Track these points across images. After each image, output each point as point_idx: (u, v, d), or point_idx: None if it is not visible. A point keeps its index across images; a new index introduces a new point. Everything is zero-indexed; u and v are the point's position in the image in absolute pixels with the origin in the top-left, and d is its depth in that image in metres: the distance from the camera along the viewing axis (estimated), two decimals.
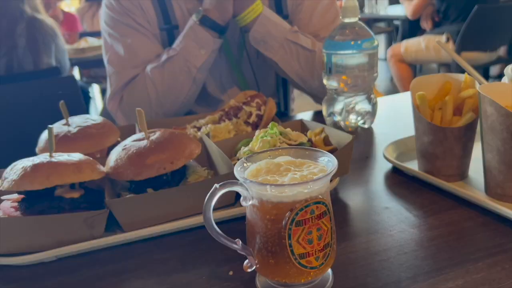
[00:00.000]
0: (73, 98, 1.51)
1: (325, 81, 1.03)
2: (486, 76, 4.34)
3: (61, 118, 0.83)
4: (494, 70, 4.25)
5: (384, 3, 4.07)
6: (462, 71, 0.76)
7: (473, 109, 0.71)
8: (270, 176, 0.49)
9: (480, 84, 0.72)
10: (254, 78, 1.21)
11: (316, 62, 1.14)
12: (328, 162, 0.50)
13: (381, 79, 4.92)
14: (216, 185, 0.48)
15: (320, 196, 0.47)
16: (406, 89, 3.60)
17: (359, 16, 1.00)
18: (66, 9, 3.88)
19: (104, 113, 1.85)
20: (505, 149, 0.63)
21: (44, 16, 2.03)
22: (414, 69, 3.77)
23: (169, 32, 1.16)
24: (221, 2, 1.04)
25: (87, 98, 3.07)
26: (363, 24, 0.99)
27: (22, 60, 1.91)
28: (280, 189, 0.46)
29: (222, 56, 1.19)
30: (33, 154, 0.72)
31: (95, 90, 3.74)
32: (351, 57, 0.97)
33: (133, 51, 1.13)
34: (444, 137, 0.71)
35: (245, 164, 0.51)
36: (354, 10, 0.97)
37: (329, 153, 0.51)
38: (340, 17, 0.99)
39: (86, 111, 1.95)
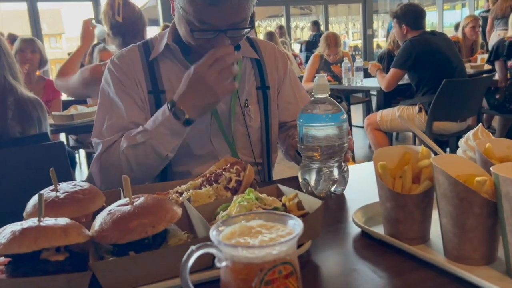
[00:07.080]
0: (60, 165, 1.56)
1: (299, 149, 1.11)
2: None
3: (49, 183, 0.88)
4: None
5: (360, 76, 4.36)
6: (435, 139, 0.85)
7: (429, 177, 0.79)
8: (243, 238, 0.54)
9: (436, 154, 0.80)
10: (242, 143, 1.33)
11: None
12: (295, 225, 0.56)
13: (359, 146, 5.10)
14: (193, 247, 0.53)
15: (287, 257, 0.53)
16: None
17: (329, 92, 1.10)
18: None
19: (89, 178, 1.88)
20: (457, 214, 0.69)
21: (27, 91, 2.12)
22: (390, 136, 3.94)
23: (157, 95, 1.28)
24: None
25: (73, 164, 3.10)
26: (332, 100, 1.09)
27: (10, 130, 1.98)
28: (250, 250, 0.51)
29: (213, 122, 1.30)
30: (21, 218, 0.75)
31: (81, 155, 3.77)
32: (322, 129, 1.06)
33: (119, 115, 1.24)
34: (404, 203, 0.77)
35: (220, 228, 0.56)
36: (324, 87, 1.08)
37: (297, 218, 0.57)
38: (312, 93, 1.10)
39: (72, 177, 1.98)
